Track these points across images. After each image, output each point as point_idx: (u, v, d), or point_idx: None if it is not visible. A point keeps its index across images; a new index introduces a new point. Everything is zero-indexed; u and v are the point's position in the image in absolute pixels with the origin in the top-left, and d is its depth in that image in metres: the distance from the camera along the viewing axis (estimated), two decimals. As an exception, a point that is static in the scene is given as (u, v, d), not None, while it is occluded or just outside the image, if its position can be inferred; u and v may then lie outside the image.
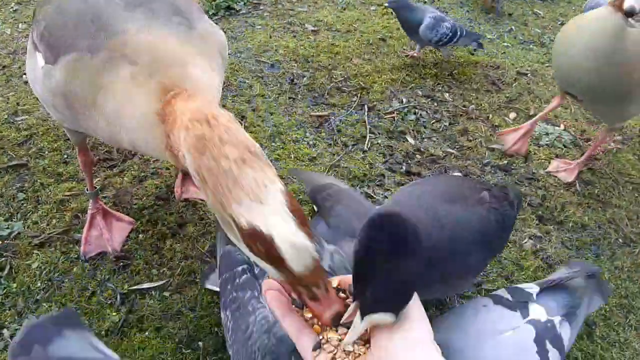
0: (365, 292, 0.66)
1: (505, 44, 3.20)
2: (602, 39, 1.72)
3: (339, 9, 3.38)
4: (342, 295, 0.76)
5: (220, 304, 1.21)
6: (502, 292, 1.31)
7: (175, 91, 1.02)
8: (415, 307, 0.67)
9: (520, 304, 1.24)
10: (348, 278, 0.74)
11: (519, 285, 1.35)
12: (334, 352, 0.68)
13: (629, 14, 1.56)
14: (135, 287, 1.64)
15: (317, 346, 0.69)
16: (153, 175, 2.04)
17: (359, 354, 0.67)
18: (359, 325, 0.67)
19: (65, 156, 2.06)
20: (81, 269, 1.67)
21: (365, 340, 0.70)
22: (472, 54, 3.04)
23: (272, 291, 0.74)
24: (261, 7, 3.32)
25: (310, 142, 2.25)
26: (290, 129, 2.30)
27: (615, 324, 1.72)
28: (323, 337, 0.70)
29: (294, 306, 0.74)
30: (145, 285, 1.65)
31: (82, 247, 1.71)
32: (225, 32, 3.02)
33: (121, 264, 1.70)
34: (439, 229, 1.05)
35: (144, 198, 1.93)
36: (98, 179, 1.98)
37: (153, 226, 1.83)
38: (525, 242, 1.92)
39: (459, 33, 2.69)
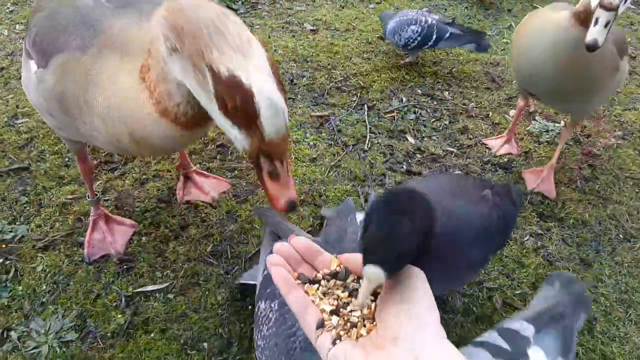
0: (366, 242, 0.68)
1: (505, 40, 3.20)
2: (563, 51, 1.67)
3: (337, 7, 3.38)
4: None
5: (260, 294, 1.24)
6: (497, 339, 1.19)
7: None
8: (423, 292, 0.67)
9: (519, 354, 1.15)
10: (352, 257, 0.75)
11: (512, 326, 1.21)
12: (337, 330, 0.67)
13: (591, 48, 1.49)
14: (139, 289, 1.65)
15: (320, 324, 0.68)
16: (154, 177, 2.04)
17: (362, 334, 0.67)
18: (364, 285, 0.67)
19: (67, 159, 2.07)
20: (85, 272, 1.68)
21: (369, 318, 0.69)
22: (471, 52, 3.04)
23: (278, 267, 0.74)
24: (259, 7, 3.32)
25: (311, 143, 2.26)
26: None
27: (616, 318, 1.73)
28: (327, 315, 0.70)
29: (298, 282, 0.74)
30: (150, 288, 1.66)
31: (86, 250, 1.73)
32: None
33: (125, 266, 1.71)
34: (443, 222, 1.06)
35: (146, 201, 1.94)
36: (100, 181, 1.99)
37: (155, 229, 1.84)
38: (527, 240, 1.93)
39: (435, 36, 2.54)
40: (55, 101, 1.24)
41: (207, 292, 1.65)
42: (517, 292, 1.74)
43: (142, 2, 1.21)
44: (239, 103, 0.75)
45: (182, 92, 0.96)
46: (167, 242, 1.80)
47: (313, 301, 0.71)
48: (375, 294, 0.71)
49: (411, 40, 2.54)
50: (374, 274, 0.65)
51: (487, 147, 2.34)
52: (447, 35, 2.56)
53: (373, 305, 0.70)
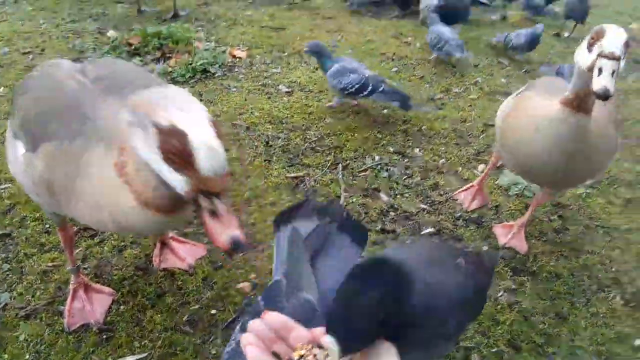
0: (328, 317, 0.71)
1: (472, 96, 3.34)
2: (567, 144, 1.64)
3: (311, 70, 3.51)
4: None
5: None
6: None
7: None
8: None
9: None
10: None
11: None
12: None
13: (602, 96, 1.38)
14: (118, 359, 1.63)
15: None
16: (132, 244, 2.05)
17: None
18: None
19: (47, 226, 2.08)
20: (66, 342, 1.67)
21: None
22: (440, 109, 3.16)
23: (251, 346, 0.75)
24: (236, 70, 3.43)
25: (287, 205, 2.29)
26: (266, 191, 2.35)
27: (595, 372, 1.74)
28: None
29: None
30: (128, 359, 1.64)
31: (66, 320, 1.73)
32: (201, 95, 3.12)
33: (104, 336, 1.70)
34: (421, 292, 1.07)
35: (124, 268, 1.94)
36: (80, 249, 2.00)
37: (133, 297, 1.83)
38: (500, 296, 1.96)
39: (370, 87, 2.74)
40: (44, 186, 1.27)
41: (183, 363, 1.63)
42: (494, 350, 1.75)
43: (125, 85, 1.27)
44: (176, 146, 0.85)
45: (158, 177, 1.02)
46: (145, 311, 1.79)
47: None
48: None
49: (350, 86, 2.74)
50: (330, 345, 0.68)
51: (459, 203, 2.40)
52: (380, 89, 2.78)
53: None
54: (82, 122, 1.20)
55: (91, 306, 1.76)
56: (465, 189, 2.43)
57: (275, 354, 0.75)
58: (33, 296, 1.81)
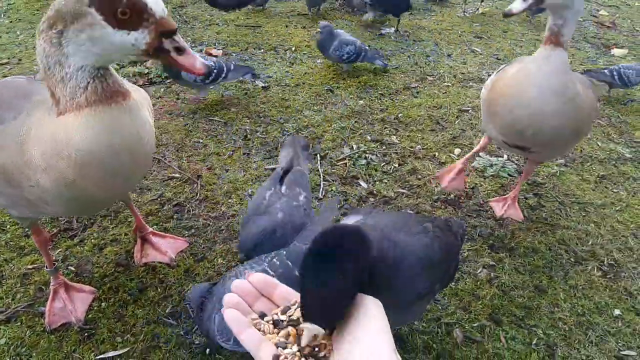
0: (302, 301, 0.71)
1: (446, 83, 3.38)
2: (556, 76, 1.70)
3: (287, 65, 3.52)
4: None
5: None
6: None
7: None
8: (378, 319, 0.69)
9: None
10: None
11: None
12: None
13: (505, 14, 1.63)
14: (100, 356, 1.62)
15: (277, 357, 0.69)
16: (112, 242, 2.04)
17: None
18: (304, 334, 0.70)
19: (27, 229, 2.06)
20: (47, 342, 1.65)
21: (325, 344, 0.70)
22: (415, 97, 3.19)
23: (230, 309, 0.75)
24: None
25: (259, 189, 2.30)
26: (245, 184, 2.36)
27: (576, 342, 1.76)
28: (280, 351, 0.70)
29: (254, 319, 0.75)
30: (111, 354, 1.63)
31: (47, 319, 1.71)
32: (178, 94, 3.11)
33: (86, 334, 1.69)
34: (388, 253, 1.10)
35: (105, 266, 1.93)
36: (59, 249, 1.98)
37: (115, 293, 1.83)
38: (480, 272, 1.99)
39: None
40: (1, 177, 1.26)
41: (167, 355, 1.63)
42: (475, 324, 1.78)
43: None
44: (127, 4, 0.95)
45: (83, 75, 1.09)
46: (126, 306, 1.78)
47: (268, 337, 0.72)
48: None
49: (349, 54, 3.27)
50: (316, 330, 0.68)
51: (436, 186, 2.43)
52: (366, 54, 3.37)
53: (330, 332, 0.71)
54: (26, 102, 1.25)
55: (72, 305, 1.75)
56: (448, 170, 2.42)
57: (261, 314, 0.76)
58: (13, 299, 1.79)
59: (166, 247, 1.96)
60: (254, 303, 0.78)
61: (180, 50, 0.97)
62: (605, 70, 3.37)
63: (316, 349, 0.70)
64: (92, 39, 1.03)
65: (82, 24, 1.01)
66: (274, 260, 1.43)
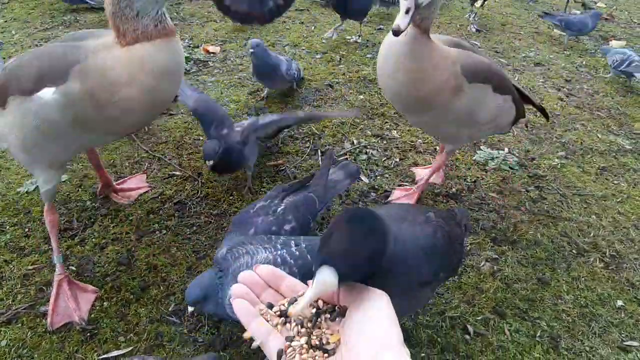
0: (325, 243, 0.74)
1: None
2: (396, 44, 1.71)
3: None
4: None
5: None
6: None
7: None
8: (386, 313, 0.68)
9: None
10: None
11: None
12: (301, 356, 0.68)
13: (394, 33, 1.53)
14: (103, 356, 1.62)
15: (281, 353, 0.69)
16: (114, 241, 2.03)
17: (328, 356, 0.68)
18: (309, 290, 0.70)
19: (27, 229, 2.05)
20: (49, 343, 1.64)
21: (331, 342, 0.70)
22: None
23: (239, 300, 0.75)
24: (210, 65, 3.42)
25: (267, 192, 2.29)
26: (246, 180, 2.35)
27: (580, 333, 1.77)
28: (288, 342, 0.70)
29: (262, 309, 0.75)
30: (114, 354, 1.62)
31: (50, 318, 1.71)
32: (178, 93, 3.09)
33: (88, 334, 1.68)
34: (393, 242, 1.11)
35: (106, 265, 1.93)
36: (60, 250, 1.97)
37: (117, 292, 1.82)
38: (483, 265, 1.98)
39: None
40: (88, 101, 1.47)
41: (171, 353, 1.63)
42: (479, 317, 1.78)
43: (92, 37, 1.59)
44: None
45: (153, 15, 1.43)
46: (129, 305, 1.77)
47: (276, 328, 0.72)
48: (343, 313, 0.72)
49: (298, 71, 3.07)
50: (325, 279, 0.68)
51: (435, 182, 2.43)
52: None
53: (338, 324, 0.71)
54: (80, 49, 1.49)
55: (75, 304, 1.75)
56: (425, 167, 2.44)
57: (268, 305, 0.76)
58: (14, 300, 1.78)
59: (135, 184, 2.30)
60: (261, 294, 0.78)
61: None
62: (557, 17, 4.16)
63: (324, 340, 0.70)
64: None
65: None
66: (294, 249, 1.43)
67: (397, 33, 1.51)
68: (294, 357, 0.68)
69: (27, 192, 2.23)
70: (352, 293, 0.72)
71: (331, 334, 0.70)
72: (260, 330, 0.72)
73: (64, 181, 2.30)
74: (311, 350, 0.69)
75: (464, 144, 2.54)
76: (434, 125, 2.01)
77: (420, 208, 1.43)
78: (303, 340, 0.70)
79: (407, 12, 1.49)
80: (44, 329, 1.68)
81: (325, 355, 0.68)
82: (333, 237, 0.73)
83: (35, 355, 1.61)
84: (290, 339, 0.70)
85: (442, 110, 1.84)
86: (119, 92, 1.47)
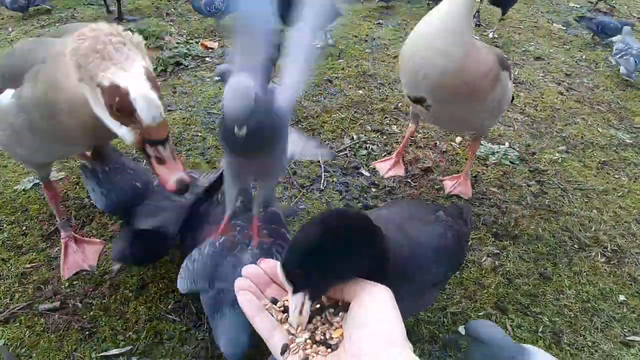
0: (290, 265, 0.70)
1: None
2: (453, 18, 1.66)
3: (284, 56, 3.49)
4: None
5: None
6: None
7: None
8: (390, 308, 0.67)
9: None
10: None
11: None
12: (304, 351, 0.67)
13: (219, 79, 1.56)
14: (102, 354, 1.61)
15: (286, 347, 0.68)
16: (112, 239, 2.02)
17: (331, 351, 0.67)
18: (292, 307, 0.69)
19: (24, 227, 2.04)
20: (48, 342, 1.63)
21: (336, 330, 0.70)
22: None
23: (243, 292, 0.75)
24: (208, 60, 3.40)
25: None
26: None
27: (582, 328, 1.76)
28: (292, 337, 0.70)
29: (266, 304, 0.75)
30: (113, 352, 1.61)
31: (62, 272, 1.81)
32: (175, 88, 3.08)
33: (87, 332, 1.67)
34: (404, 243, 1.11)
35: (105, 263, 1.91)
36: (57, 247, 1.96)
37: (115, 290, 1.80)
38: (484, 260, 1.97)
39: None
40: (36, 108, 1.34)
41: (171, 351, 1.61)
42: (481, 313, 1.77)
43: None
44: (119, 102, 0.95)
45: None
46: (128, 303, 1.76)
47: (280, 323, 0.72)
48: (345, 308, 0.71)
49: None
50: (301, 300, 0.67)
51: (438, 175, 2.41)
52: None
53: (341, 319, 0.70)
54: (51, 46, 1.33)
55: (83, 255, 1.84)
56: (385, 160, 2.44)
57: (272, 300, 0.75)
58: (11, 299, 1.76)
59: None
60: (265, 289, 0.77)
61: (160, 160, 0.96)
62: (593, 20, 4.10)
63: (327, 335, 0.69)
64: (94, 106, 1.07)
65: (92, 88, 1.04)
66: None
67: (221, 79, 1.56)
68: (298, 352, 0.68)
69: (24, 190, 2.21)
70: (354, 288, 0.71)
71: (334, 329, 0.70)
72: (264, 324, 0.72)
73: (60, 179, 2.28)
74: (315, 346, 0.68)
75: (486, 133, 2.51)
76: (462, 118, 1.96)
77: (429, 206, 1.42)
78: (306, 335, 0.70)
79: None
80: (42, 328, 1.67)
81: (329, 350, 0.68)
82: (291, 252, 0.71)
83: (34, 354, 1.59)
84: (293, 334, 0.70)
85: (479, 99, 1.84)
86: (59, 114, 1.31)
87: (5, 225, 2.05)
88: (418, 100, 1.89)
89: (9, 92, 1.43)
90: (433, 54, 1.71)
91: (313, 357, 0.67)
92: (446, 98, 1.83)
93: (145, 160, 0.95)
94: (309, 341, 0.69)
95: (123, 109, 0.95)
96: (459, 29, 1.68)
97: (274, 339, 0.70)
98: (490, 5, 4.15)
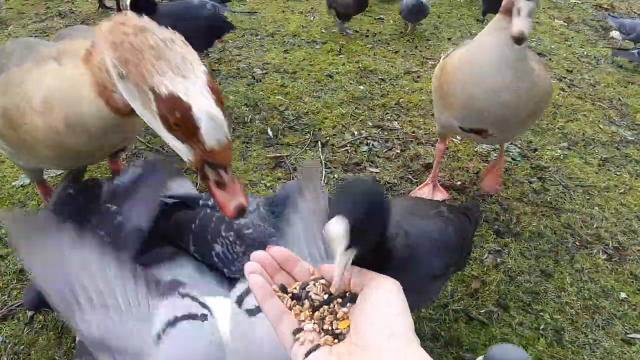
0: (337, 195, 0.70)
1: (447, 68, 3.33)
2: (511, 49, 1.59)
3: (285, 50, 3.47)
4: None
5: None
6: None
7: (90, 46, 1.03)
8: (398, 300, 0.67)
9: None
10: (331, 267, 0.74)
11: None
12: (312, 339, 0.67)
13: (518, 40, 1.42)
14: (102, 352, 1.60)
15: (297, 332, 0.68)
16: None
17: (338, 341, 0.67)
18: (341, 264, 0.68)
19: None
20: (46, 339, 1.62)
21: (344, 321, 0.69)
22: (416, 82, 3.16)
23: (255, 274, 0.73)
24: (208, 55, 3.38)
25: (268, 184, 2.27)
26: (246, 173, 2.32)
27: (583, 326, 1.76)
28: (302, 324, 0.69)
29: (275, 290, 0.74)
30: (113, 349, 1.61)
31: None
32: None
33: (86, 330, 1.66)
34: (405, 235, 1.12)
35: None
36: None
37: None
38: (486, 258, 1.97)
39: None
40: (1, 117, 1.23)
41: (172, 347, 1.61)
42: (482, 310, 1.76)
43: (80, 33, 1.35)
44: (180, 118, 0.81)
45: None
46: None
47: (289, 310, 0.71)
48: (353, 299, 0.71)
49: None
50: (338, 231, 0.65)
51: (439, 171, 2.40)
52: None
53: (349, 310, 0.70)
54: (30, 53, 1.21)
55: None
56: (421, 187, 2.29)
57: (281, 287, 0.74)
58: (9, 296, 1.75)
59: None
60: (274, 275, 0.76)
61: (220, 183, 0.85)
62: (635, 52, 3.57)
63: (334, 325, 0.69)
64: (140, 111, 0.92)
65: (140, 91, 0.89)
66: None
67: (521, 40, 1.40)
68: (305, 340, 0.68)
69: (22, 185, 2.20)
70: (363, 279, 0.71)
71: (342, 320, 0.70)
72: (273, 310, 0.71)
73: (59, 174, 2.27)
74: (321, 334, 0.68)
75: None
76: (515, 132, 1.94)
77: (431, 202, 1.43)
78: (314, 324, 0.70)
79: (529, 14, 1.40)
80: (40, 325, 1.66)
81: (335, 340, 0.67)
82: (341, 197, 0.70)
83: (32, 352, 1.58)
84: (301, 322, 0.70)
85: (539, 113, 1.83)
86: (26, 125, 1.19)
87: (3, 222, 2.04)
88: (476, 131, 1.83)
89: None
90: (500, 91, 1.64)
91: (320, 346, 0.66)
92: (513, 125, 1.80)
93: (199, 181, 0.84)
94: (316, 329, 0.69)
95: (184, 126, 0.82)
96: (521, 58, 1.61)
97: (282, 326, 0.70)
98: (489, 13, 4.07)
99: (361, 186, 0.71)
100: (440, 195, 2.23)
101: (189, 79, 0.84)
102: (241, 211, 0.82)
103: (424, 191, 2.24)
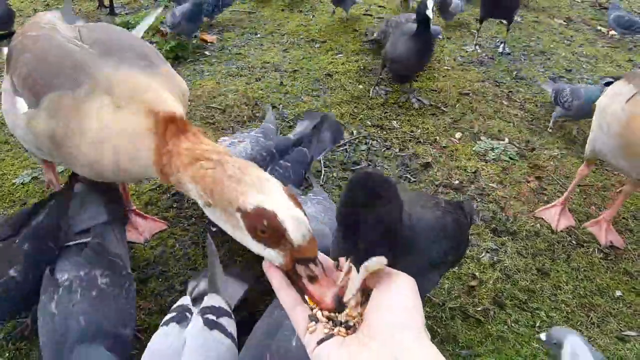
0: (356, 243, 0.77)
1: (446, 66, 3.34)
2: None
3: (284, 49, 3.48)
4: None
5: None
6: None
7: (162, 113, 1.24)
8: (410, 296, 0.70)
9: None
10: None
11: None
12: (325, 328, 0.71)
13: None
14: (103, 348, 1.61)
15: (312, 318, 0.72)
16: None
17: (351, 331, 0.70)
18: (356, 277, 0.73)
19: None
20: (46, 337, 1.64)
21: (356, 316, 0.73)
22: (415, 81, 3.16)
23: (274, 269, 0.82)
24: (207, 54, 3.39)
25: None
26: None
27: (578, 323, 1.78)
28: (315, 312, 0.74)
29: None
30: (113, 346, 1.62)
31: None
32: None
33: (87, 327, 1.67)
34: (405, 223, 1.14)
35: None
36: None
37: (116, 284, 1.81)
38: (483, 256, 1.98)
39: None
40: (47, 137, 1.36)
41: (171, 344, 1.62)
42: (479, 308, 1.78)
43: (124, 51, 1.41)
44: (267, 225, 0.92)
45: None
46: (129, 298, 1.77)
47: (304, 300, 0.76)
48: (365, 294, 0.74)
49: None
50: (378, 263, 0.72)
51: (438, 170, 2.42)
52: None
53: (360, 301, 0.73)
54: (85, 77, 1.32)
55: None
56: (550, 207, 2.24)
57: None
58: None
59: (144, 228, 2.01)
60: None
61: (312, 278, 0.88)
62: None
63: (346, 317, 0.73)
64: (231, 231, 1.04)
65: (228, 214, 1.03)
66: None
67: None
68: (317, 328, 0.71)
69: (22, 183, 2.21)
70: (378, 275, 0.74)
71: (355, 312, 0.73)
72: (289, 299, 0.77)
73: (63, 170, 2.28)
74: (333, 324, 0.72)
75: None
76: None
77: (430, 196, 1.49)
78: (327, 313, 0.74)
79: None
80: (42, 322, 1.68)
81: (348, 331, 0.70)
82: (353, 233, 0.80)
83: (34, 348, 1.60)
84: (315, 310, 0.74)
85: None
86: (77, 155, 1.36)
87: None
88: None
89: (22, 104, 1.42)
90: None
91: (333, 335, 0.70)
92: None
93: (290, 282, 0.88)
94: (329, 315, 0.73)
95: (272, 231, 0.91)
96: None
97: (297, 313, 0.74)
98: (496, 19, 4.05)
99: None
100: (566, 222, 2.17)
101: (267, 192, 0.98)
102: (338, 300, 0.86)
103: (550, 212, 2.19)
